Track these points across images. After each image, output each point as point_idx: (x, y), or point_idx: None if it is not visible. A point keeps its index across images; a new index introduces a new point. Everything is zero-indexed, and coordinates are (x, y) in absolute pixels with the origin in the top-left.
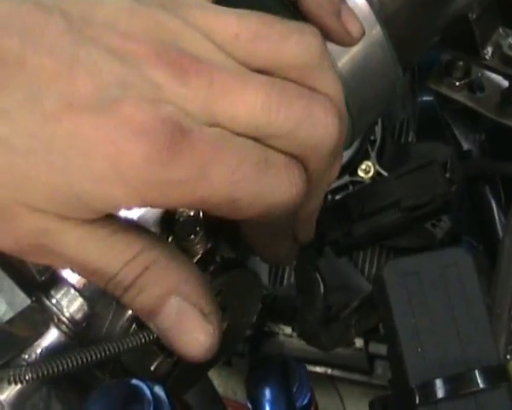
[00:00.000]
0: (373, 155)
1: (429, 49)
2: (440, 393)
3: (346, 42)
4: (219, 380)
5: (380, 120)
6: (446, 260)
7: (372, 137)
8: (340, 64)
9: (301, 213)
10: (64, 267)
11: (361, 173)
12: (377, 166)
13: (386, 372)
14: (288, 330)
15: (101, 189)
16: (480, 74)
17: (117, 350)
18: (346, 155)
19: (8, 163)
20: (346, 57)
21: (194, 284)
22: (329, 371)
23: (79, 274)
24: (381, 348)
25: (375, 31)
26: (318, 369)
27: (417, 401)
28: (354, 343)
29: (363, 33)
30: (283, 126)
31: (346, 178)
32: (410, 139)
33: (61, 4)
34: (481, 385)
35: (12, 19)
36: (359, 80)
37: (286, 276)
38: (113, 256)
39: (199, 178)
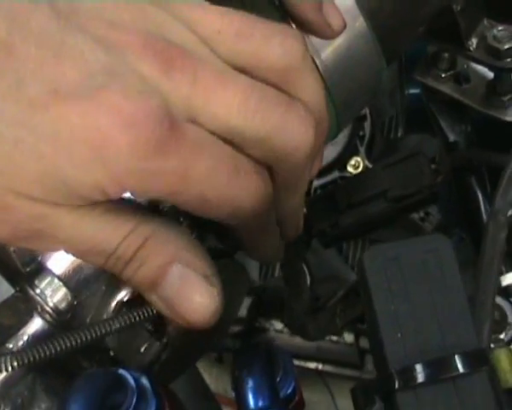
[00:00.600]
0: (362, 150)
1: (414, 41)
2: (420, 378)
3: (328, 35)
4: (210, 377)
5: (369, 116)
6: (426, 246)
7: (361, 133)
8: (323, 56)
9: (283, 212)
10: (62, 250)
11: (350, 169)
12: (366, 162)
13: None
14: (279, 325)
15: (86, 175)
16: (465, 66)
17: (103, 332)
18: (335, 150)
19: None
20: (329, 49)
21: (194, 249)
22: (320, 366)
23: (77, 256)
24: None
25: (359, 22)
26: (310, 364)
27: (396, 386)
28: (344, 338)
29: (345, 26)
30: (258, 132)
31: (336, 174)
32: (399, 134)
33: None
34: (461, 370)
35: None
36: (343, 72)
37: (277, 270)
38: (111, 232)
39: (180, 173)
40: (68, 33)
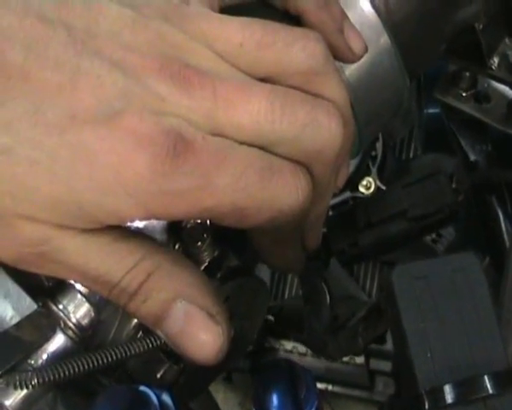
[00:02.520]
0: (374, 170)
1: (436, 60)
2: (449, 398)
3: (349, 59)
4: (221, 396)
5: (380, 136)
6: (455, 264)
7: (373, 153)
8: (347, 72)
9: (308, 218)
10: (65, 278)
11: (362, 189)
12: (378, 182)
13: (386, 388)
14: (289, 345)
15: (105, 200)
16: (486, 85)
17: (123, 355)
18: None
19: (11, 173)
20: (353, 65)
21: (199, 286)
22: (330, 387)
23: (82, 284)
24: (381, 364)
25: (383, 39)
26: (319, 385)
27: (426, 407)
28: (354, 359)
29: (366, 50)
30: (287, 133)
31: (347, 194)
32: (411, 155)
33: (64, 18)
34: (491, 390)
35: (15, 32)
36: (366, 88)
37: (287, 290)
38: (115, 263)
39: (203, 188)
40: (85, 58)
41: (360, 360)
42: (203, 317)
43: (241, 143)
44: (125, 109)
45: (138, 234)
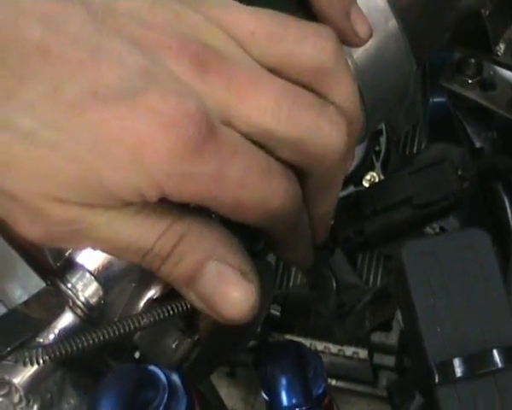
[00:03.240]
0: (378, 165)
1: (441, 46)
2: (459, 372)
3: (354, 43)
4: (224, 391)
5: (384, 131)
6: (464, 240)
7: (377, 148)
8: (355, 56)
9: (315, 214)
10: (97, 249)
11: (366, 184)
12: (382, 177)
13: (390, 383)
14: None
15: (125, 178)
16: (492, 72)
17: (132, 327)
18: (352, 165)
19: (35, 156)
20: (361, 49)
21: (230, 245)
22: (334, 382)
23: (113, 254)
24: (385, 359)
25: (391, 23)
26: None
27: (436, 380)
28: (358, 354)
29: (371, 35)
30: (290, 134)
31: (351, 189)
32: (415, 149)
33: None
34: (500, 365)
35: (32, 9)
36: (374, 72)
37: (291, 279)
38: (146, 230)
39: (215, 176)
40: (105, 35)
41: (364, 354)
42: (236, 275)
43: (246, 136)
44: (146, 88)
45: (165, 200)
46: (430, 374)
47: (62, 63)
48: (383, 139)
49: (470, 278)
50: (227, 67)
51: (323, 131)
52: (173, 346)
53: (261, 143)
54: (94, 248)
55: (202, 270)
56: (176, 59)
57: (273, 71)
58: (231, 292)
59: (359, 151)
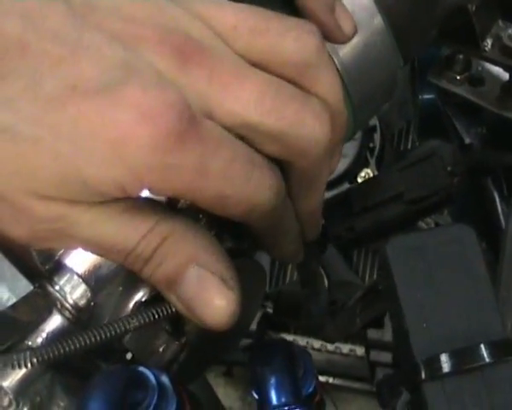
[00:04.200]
0: (372, 162)
1: (429, 42)
2: (446, 367)
3: (339, 39)
4: (221, 390)
5: (378, 128)
6: (450, 235)
7: (371, 145)
8: (341, 53)
9: (302, 210)
10: (82, 248)
11: (360, 181)
12: (376, 174)
13: None
14: (289, 338)
15: (106, 174)
16: (480, 68)
17: (121, 330)
18: (346, 162)
19: (16, 152)
20: (347, 47)
21: (212, 251)
22: (331, 380)
23: (97, 253)
24: (382, 356)
25: (376, 20)
26: (320, 378)
27: (423, 376)
28: (355, 351)
29: (356, 31)
30: (272, 128)
31: (346, 186)
32: (409, 146)
33: None
34: (487, 359)
35: (13, 5)
36: (361, 70)
37: (287, 277)
38: (130, 231)
39: (198, 168)
40: (85, 30)
41: (361, 351)
42: (217, 281)
43: (228, 129)
44: (127, 80)
45: (150, 200)
46: (417, 370)
47: (42, 58)
48: (377, 136)
49: (456, 273)
50: (209, 58)
51: (306, 123)
52: (161, 349)
53: (244, 136)
54: (77, 248)
55: (183, 274)
56: (157, 51)
57: (256, 65)
58: (211, 298)
59: (353, 148)
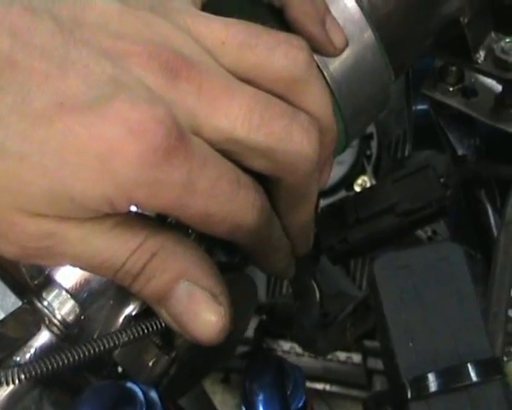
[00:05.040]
0: (369, 169)
1: (422, 55)
2: (433, 387)
3: (330, 52)
4: (219, 398)
5: (375, 135)
6: (437, 253)
7: (368, 152)
8: (331, 68)
9: (291, 226)
10: (71, 265)
11: (357, 188)
12: (373, 181)
13: (384, 387)
14: (287, 346)
15: (93, 189)
16: (473, 79)
17: (111, 345)
18: (342, 170)
19: (4, 169)
20: (337, 61)
21: (202, 266)
22: (328, 387)
23: (86, 270)
24: (379, 363)
25: (366, 34)
26: (317, 385)
27: (409, 396)
28: (352, 358)
29: (347, 44)
30: (260, 144)
31: (343, 193)
32: (406, 153)
33: (51, 7)
34: (474, 378)
35: (1, 22)
36: (351, 84)
37: (284, 288)
38: (119, 247)
39: (186, 185)
40: (72, 47)
41: (358, 359)
42: (206, 297)
43: (215, 145)
44: (115, 96)
45: (140, 215)
46: (403, 389)
47: (30, 75)
48: (374, 143)
49: (443, 292)
50: (197, 74)
51: (294, 138)
52: (150, 363)
53: (231, 151)
54: (67, 264)
55: (173, 290)
56: (145, 67)
57: (245, 80)
58: (201, 314)
59: (350, 155)
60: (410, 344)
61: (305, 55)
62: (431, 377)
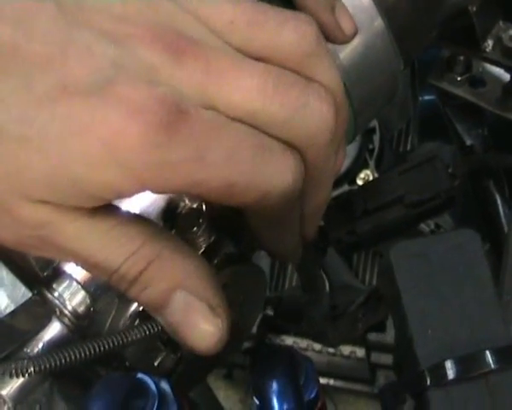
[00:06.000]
0: (371, 163)
1: (430, 44)
2: (451, 374)
3: (339, 39)
4: (222, 394)
5: (378, 129)
6: (454, 241)
7: (370, 146)
8: (341, 56)
9: (307, 206)
10: (65, 261)
11: (360, 182)
12: (376, 175)
13: (387, 382)
14: (290, 341)
15: (97, 173)
16: (480, 69)
17: (120, 343)
18: (345, 164)
19: (4, 152)
20: (347, 49)
21: (201, 277)
22: (331, 381)
23: (82, 267)
24: (382, 358)
25: (377, 22)
26: (321, 380)
27: (428, 383)
28: (355, 353)
29: (356, 31)
30: (278, 114)
31: (345, 187)
32: (408, 147)
33: None
34: (493, 366)
35: (2, 6)
36: (361, 72)
37: (287, 281)
38: (114, 250)
39: (197, 160)
40: (74, 30)
41: (361, 353)
42: (203, 309)
43: (233, 119)
44: (117, 78)
45: (140, 219)
46: (421, 377)
47: (32, 59)
48: (376, 137)
49: (460, 279)
50: (204, 51)
51: (312, 106)
52: (157, 362)
53: (252, 125)
54: (63, 260)
55: (169, 299)
56: (149, 48)
57: (255, 59)
58: (198, 325)
59: (352, 149)
60: (429, 332)
61: (314, 29)
62: (449, 364)
